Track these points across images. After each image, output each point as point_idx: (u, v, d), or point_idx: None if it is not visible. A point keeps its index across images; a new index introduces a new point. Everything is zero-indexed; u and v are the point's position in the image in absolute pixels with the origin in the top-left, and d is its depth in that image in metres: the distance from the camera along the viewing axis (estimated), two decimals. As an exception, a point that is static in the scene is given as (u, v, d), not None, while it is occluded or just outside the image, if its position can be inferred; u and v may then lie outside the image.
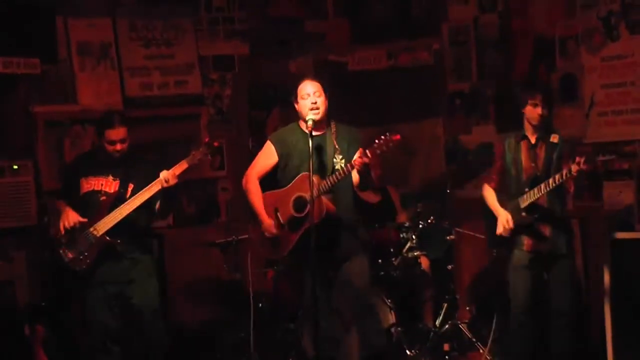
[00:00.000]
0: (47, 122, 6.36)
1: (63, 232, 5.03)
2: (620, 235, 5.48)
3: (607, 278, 5.46)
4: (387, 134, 4.57)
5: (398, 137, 4.55)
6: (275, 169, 5.04)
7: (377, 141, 4.57)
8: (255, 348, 5.92)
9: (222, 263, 6.24)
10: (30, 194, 6.25)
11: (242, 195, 5.22)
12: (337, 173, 4.75)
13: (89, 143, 6.37)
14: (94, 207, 5.08)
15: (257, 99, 7.09)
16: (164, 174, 4.95)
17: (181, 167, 4.99)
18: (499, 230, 5.24)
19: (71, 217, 5.03)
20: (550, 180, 5.03)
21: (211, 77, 6.94)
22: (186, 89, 6.83)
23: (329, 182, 4.74)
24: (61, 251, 5.05)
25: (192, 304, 6.57)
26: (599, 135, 5.93)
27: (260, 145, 5.16)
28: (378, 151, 4.57)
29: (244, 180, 5.09)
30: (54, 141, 6.39)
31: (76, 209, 5.08)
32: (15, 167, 6.22)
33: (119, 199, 5.05)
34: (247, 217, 5.17)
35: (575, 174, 4.86)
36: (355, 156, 4.73)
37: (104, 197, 5.08)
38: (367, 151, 4.59)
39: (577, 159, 4.84)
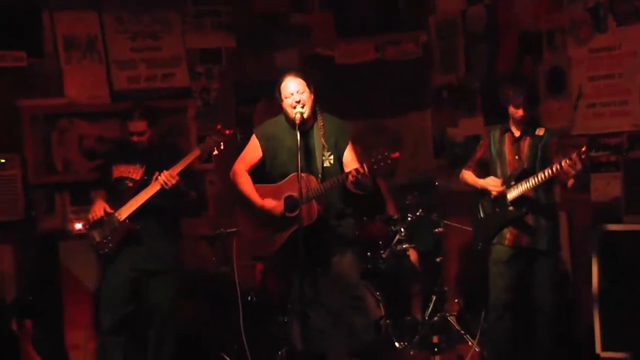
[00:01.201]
0: (33, 115, 6.33)
1: (89, 223, 5.25)
2: (609, 227, 5.50)
3: (595, 271, 5.48)
4: (386, 151, 4.56)
5: (397, 154, 4.57)
6: (262, 162, 5.02)
7: (374, 156, 4.57)
8: (245, 341, 5.90)
9: (210, 256, 6.22)
10: (17, 188, 6.24)
11: (230, 189, 5.21)
12: (331, 181, 4.74)
13: (76, 137, 6.36)
14: (121, 192, 5.31)
15: (244, 92, 7.07)
16: (162, 178, 5.15)
17: (186, 160, 5.19)
18: (494, 192, 5.21)
19: (97, 210, 5.26)
20: (540, 175, 5.01)
21: (198, 70, 6.91)
22: (173, 81, 6.81)
23: (321, 189, 4.74)
24: (90, 234, 5.26)
25: (180, 298, 6.54)
26: (586, 127, 5.94)
27: (247, 138, 5.14)
28: (375, 167, 4.57)
29: (231, 174, 5.07)
30: (41, 135, 6.38)
31: (109, 194, 5.35)
32: (2, 160, 6.19)
33: (144, 185, 5.25)
34: (235, 211, 5.16)
35: (567, 169, 4.85)
36: (347, 153, 4.82)
37: (130, 184, 5.31)
38: (364, 165, 4.59)
39: (574, 156, 4.81)
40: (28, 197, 6.24)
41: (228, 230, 5.97)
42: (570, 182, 5.05)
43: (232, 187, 5.11)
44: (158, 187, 5.17)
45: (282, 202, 4.84)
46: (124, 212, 5.22)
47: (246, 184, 4.98)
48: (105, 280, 5.38)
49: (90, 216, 5.26)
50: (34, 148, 6.33)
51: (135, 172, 5.33)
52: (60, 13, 6.42)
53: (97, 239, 5.25)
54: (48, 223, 6.29)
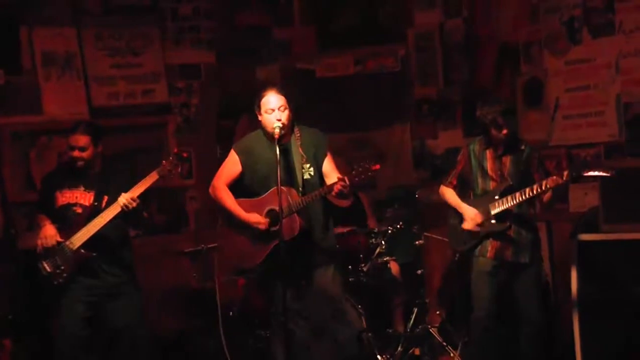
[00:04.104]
0: (12, 133, 6.32)
1: (41, 250, 5.05)
2: (586, 237, 5.53)
3: (574, 281, 5.49)
4: (367, 163, 4.58)
5: (377, 166, 4.58)
6: (240, 177, 5.03)
7: (356, 169, 4.60)
8: (227, 357, 5.89)
9: (191, 272, 6.21)
10: (-4, 206, 6.20)
11: (210, 204, 5.21)
12: (312, 194, 4.76)
13: (55, 154, 6.34)
14: (69, 220, 5.09)
15: (224, 107, 7.08)
16: (122, 200, 4.94)
17: (145, 184, 4.99)
18: (468, 225, 5.22)
19: (49, 237, 5.03)
20: (528, 191, 4.99)
21: (178, 85, 6.92)
22: (153, 97, 6.82)
23: (303, 202, 4.76)
24: (39, 265, 5.05)
25: (162, 314, 6.53)
26: (564, 139, 5.99)
27: (227, 153, 5.15)
28: (356, 179, 4.59)
29: (211, 190, 5.07)
30: (20, 152, 6.35)
31: (53, 222, 5.10)
32: (-19, 178, 6.16)
33: (94, 211, 5.05)
34: (218, 226, 5.16)
35: (550, 187, 4.89)
36: (326, 164, 4.85)
37: (79, 210, 5.09)
38: (346, 179, 4.60)
39: (565, 174, 4.84)
40: (7, 215, 6.20)
41: (209, 246, 5.97)
42: (548, 195, 5.07)
43: (213, 202, 5.11)
44: (118, 210, 4.96)
45: (265, 216, 4.85)
46: (77, 241, 4.99)
47: (228, 199, 4.99)
48: (61, 308, 5.10)
49: (40, 243, 5.05)
50: (13, 165, 6.31)
51: (83, 198, 5.10)
52: (39, 29, 6.41)
53: (49, 270, 5.03)
54: (28, 241, 6.24)
